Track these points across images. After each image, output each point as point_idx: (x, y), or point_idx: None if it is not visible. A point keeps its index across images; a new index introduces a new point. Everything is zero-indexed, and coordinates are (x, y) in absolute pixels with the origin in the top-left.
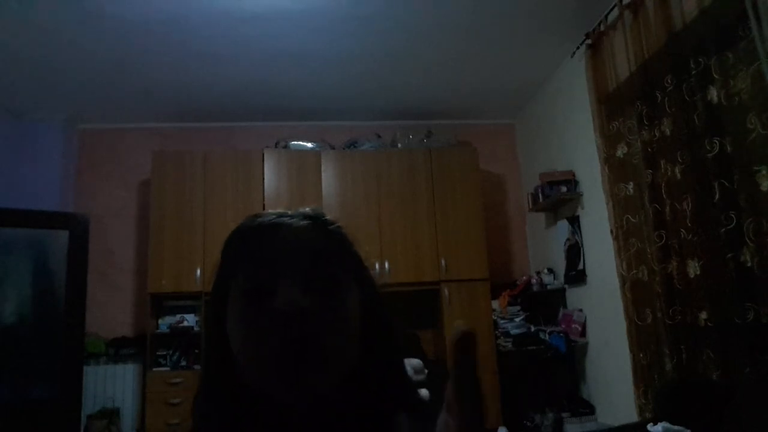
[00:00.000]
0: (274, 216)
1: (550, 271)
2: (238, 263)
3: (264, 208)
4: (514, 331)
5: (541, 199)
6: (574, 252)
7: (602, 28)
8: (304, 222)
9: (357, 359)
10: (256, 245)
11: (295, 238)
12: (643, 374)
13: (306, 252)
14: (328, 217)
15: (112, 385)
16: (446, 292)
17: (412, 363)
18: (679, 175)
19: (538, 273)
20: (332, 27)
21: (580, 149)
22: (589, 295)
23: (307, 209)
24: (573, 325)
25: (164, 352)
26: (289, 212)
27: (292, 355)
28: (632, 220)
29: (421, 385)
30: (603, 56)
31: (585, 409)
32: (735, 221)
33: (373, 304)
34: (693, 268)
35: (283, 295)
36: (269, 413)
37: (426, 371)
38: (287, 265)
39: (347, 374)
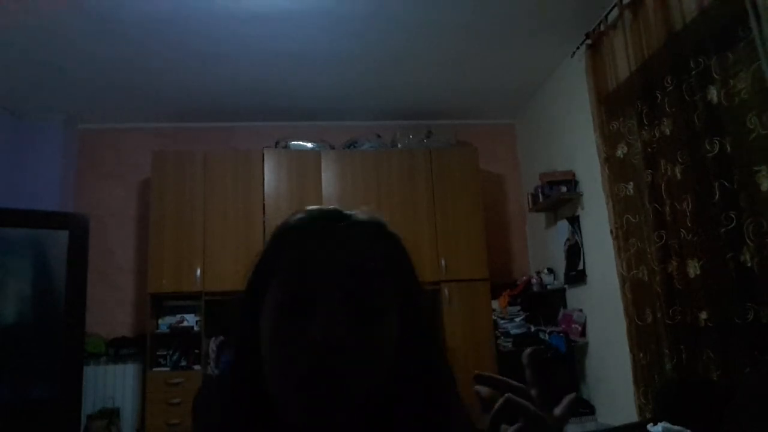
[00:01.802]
0: (331, 216)
1: (550, 271)
2: (280, 263)
3: (264, 209)
4: (514, 331)
5: (541, 199)
6: (574, 252)
7: (602, 28)
8: (360, 230)
9: (389, 391)
10: (303, 248)
11: (345, 248)
12: (643, 374)
13: (355, 267)
14: (390, 228)
15: (112, 385)
16: (446, 292)
17: None
18: (679, 175)
19: (538, 273)
20: (332, 27)
21: (580, 149)
22: (589, 295)
23: (365, 216)
24: (573, 325)
25: (164, 352)
26: (346, 213)
27: (319, 386)
28: (632, 220)
29: None
30: (603, 56)
31: (585, 409)
32: (735, 221)
33: (416, 333)
34: (693, 268)
35: (321, 317)
36: (279, 424)
37: None
38: (331, 280)
39: (374, 407)
